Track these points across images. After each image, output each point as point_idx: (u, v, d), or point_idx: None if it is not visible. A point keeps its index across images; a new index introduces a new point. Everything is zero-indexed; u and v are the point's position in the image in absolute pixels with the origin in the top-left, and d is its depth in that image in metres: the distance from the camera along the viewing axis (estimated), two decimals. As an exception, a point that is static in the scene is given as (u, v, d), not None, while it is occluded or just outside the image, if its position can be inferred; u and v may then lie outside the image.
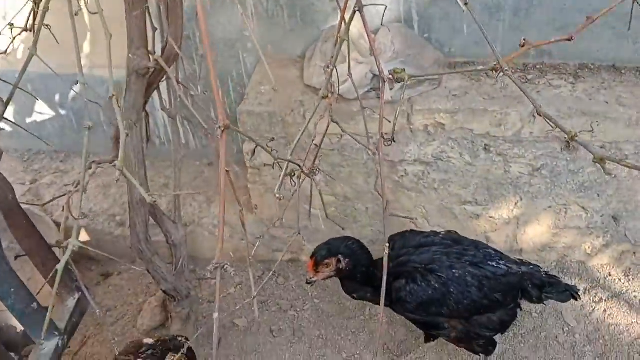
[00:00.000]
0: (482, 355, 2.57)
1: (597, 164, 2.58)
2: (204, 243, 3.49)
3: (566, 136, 2.40)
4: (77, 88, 3.58)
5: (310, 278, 2.36)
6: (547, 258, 3.06)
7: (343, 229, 3.09)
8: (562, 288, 2.43)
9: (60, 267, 1.43)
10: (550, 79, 2.82)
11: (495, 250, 2.44)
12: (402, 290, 2.26)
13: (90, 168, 2.58)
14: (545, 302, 2.45)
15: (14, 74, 1.83)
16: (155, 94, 2.66)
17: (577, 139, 1.30)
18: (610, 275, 2.98)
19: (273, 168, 1.84)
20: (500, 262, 2.36)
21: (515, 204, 2.90)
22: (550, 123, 1.30)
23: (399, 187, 2.97)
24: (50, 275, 2.11)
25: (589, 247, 3.00)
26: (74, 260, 3.66)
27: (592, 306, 2.87)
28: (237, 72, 3.24)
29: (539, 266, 2.46)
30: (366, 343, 2.88)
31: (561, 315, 2.85)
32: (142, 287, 3.41)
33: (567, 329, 2.79)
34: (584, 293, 2.93)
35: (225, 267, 1.53)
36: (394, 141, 1.50)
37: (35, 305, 1.89)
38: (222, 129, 1.29)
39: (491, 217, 2.97)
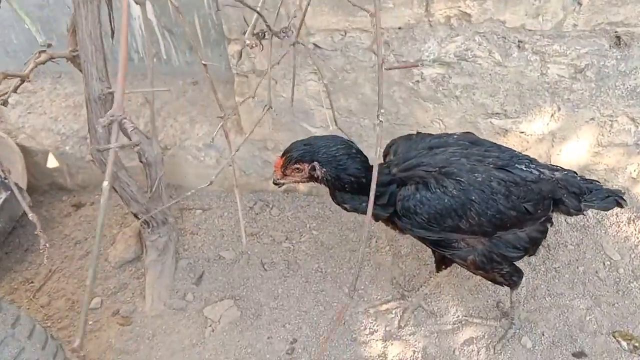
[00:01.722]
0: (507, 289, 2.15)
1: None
2: (188, 169, 3.06)
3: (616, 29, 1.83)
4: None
5: (277, 179, 1.91)
6: (585, 183, 2.61)
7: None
8: (604, 194, 1.99)
9: None
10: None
11: (521, 153, 2.00)
12: (410, 199, 1.79)
13: (40, 57, 2.14)
14: (584, 212, 2.00)
15: None
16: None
17: None
18: (660, 202, 2.54)
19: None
20: (531, 165, 1.91)
21: (552, 115, 2.44)
22: None
23: (413, 96, 2.50)
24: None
25: (635, 170, 2.55)
26: (43, 190, 3.28)
27: (638, 237, 2.43)
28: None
29: (574, 172, 2.01)
30: (371, 277, 2.46)
31: (601, 247, 2.42)
32: (117, 218, 3.00)
33: (608, 262, 2.36)
34: (628, 223, 2.49)
35: (122, 122, 1.11)
36: None
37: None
38: None
39: (522, 133, 2.51)
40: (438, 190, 1.78)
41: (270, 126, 2.79)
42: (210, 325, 2.35)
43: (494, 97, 2.43)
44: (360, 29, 2.41)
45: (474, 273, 2.01)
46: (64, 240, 2.92)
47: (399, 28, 2.38)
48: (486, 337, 2.17)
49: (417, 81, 2.45)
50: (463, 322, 2.22)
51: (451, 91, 2.44)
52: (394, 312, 2.30)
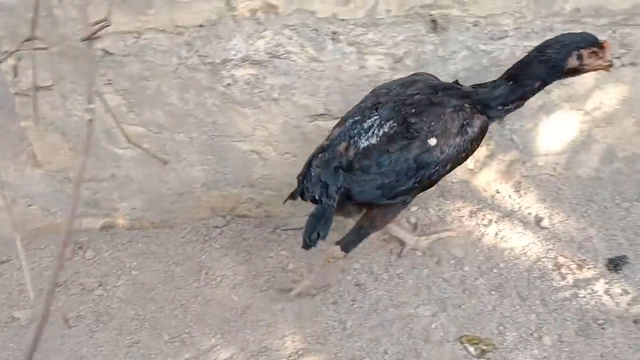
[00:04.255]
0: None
1: (470, 46, 1.95)
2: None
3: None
4: None
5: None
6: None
7: (166, 163, 2.30)
8: None
9: None
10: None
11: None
12: None
13: None
14: None
15: None
16: None
17: None
18: (498, 192, 2.45)
19: None
20: None
21: (379, 111, 2.26)
22: None
23: (228, 102, 2.21)
24: None
25: (470, 161, 2.45)
26: None
27: (480, 231, 2.31)
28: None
29: None
30: (199, 316, 2.09)
31: (446, 245, 2.26)
32: None
33: (453, 261, 2.20)
34: (470, 217, 2.37)
35: None
36: None
37: None
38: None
39: (351, 133, 2.30)
40: None
41: (67, 153, 2.35)
42: (-10, 410, 1.84)
43: (314, 97, 2.21)
44: (156, 29, 2.08)
45: None
46: None
47: (201, 25, 2.08)
48: (330, 364, 1.89)
49: (229, 84, 2.16)
50: (300, 353, 1.92)
51: (268, 93, 2.18)
52: None
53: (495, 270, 2.16)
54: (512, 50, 2.14)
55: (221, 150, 2.31)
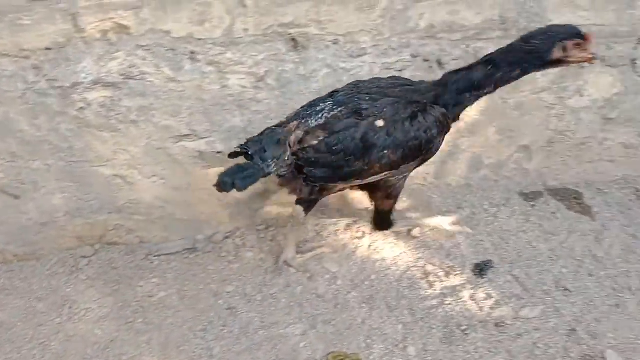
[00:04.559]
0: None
1: (331, 64, 1.95)
2: None
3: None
4: None
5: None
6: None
7: (17, 197, 2.16)
8: None
9: None
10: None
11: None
12: None
13: None
14: None
15: None
16: None
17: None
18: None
19: None
20: None
21: (245, 128, 2.24)
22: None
23: (83, 126, 2.11)
24: None
25: (344, 175, 2.47)
26: None
27: (354, 243, 2.33)
28: None
29: None
30: (58, 354, 1.97)
31: (320, 261, 2.27)
32: None
33: (328, 276, 2.21)
34: (345, 230, 2.39)
35: None
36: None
37: None
38: None
39: (219, 153, 2.26)
40: None
41: None
42: None
43: (177, 118, 2.15)
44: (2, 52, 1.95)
45: None
46: None
47: (48, 49, 1.98)
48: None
49: (82, 108, 2.06)
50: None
51: (126, 116, 2.11)
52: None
53: (367, 283, 2.18)
54: (371, 67, 2.19)
55: (82, 176, 2.20)
